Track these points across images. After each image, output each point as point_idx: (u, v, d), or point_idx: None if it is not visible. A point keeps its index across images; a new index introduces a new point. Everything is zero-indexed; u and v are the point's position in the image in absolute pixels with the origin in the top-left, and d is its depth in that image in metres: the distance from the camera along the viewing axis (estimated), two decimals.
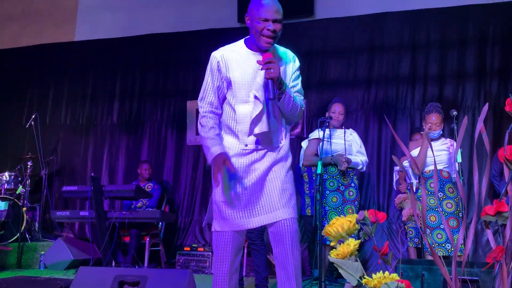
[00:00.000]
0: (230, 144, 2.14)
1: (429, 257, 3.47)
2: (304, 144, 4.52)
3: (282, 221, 2.06)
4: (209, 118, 2.17)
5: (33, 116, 6.33)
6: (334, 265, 1.44)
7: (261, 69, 2.03)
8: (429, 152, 3.76)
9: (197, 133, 6.28)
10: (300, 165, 4.64)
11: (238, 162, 2.12)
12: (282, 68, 2.13)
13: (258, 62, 2.05)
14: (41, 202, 6.10)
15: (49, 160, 6.31)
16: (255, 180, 2.11)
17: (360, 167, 4.02)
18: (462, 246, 3.32)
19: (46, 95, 6.97)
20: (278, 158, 2.15)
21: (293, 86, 2.19)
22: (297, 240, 2.10)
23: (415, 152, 3.81)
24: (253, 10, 2.05)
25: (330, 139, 3.93)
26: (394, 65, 5.65)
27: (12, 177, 5.88)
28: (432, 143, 3.82)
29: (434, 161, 1.50)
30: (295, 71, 2.22)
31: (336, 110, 4.00)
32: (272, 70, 2.00)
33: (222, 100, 2.18)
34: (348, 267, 1.37)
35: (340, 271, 1.42)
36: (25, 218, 5.52)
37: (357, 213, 3.91)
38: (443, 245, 3.55)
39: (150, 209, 5.20)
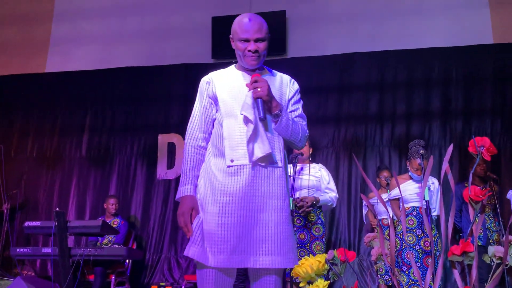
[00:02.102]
0: (216, 165, 1.95)
1: None
2: None
3: (272, 271, 1.89)
4: (192, 152, 2.02)
5: None
6: None
7: (249, 89, 1.93)
8: (411, 189, 3.82)
9: (168, 167, 6.26)
10: None
11: (228, 183, 1.89)
12: (277, 92, 2.03)
13: (246, 85, 1.95)
14: (1, 238, 5.82)
15: (12, 194, 6.07)
16: (250, 206, 1.87)
17: (330, 204, 4.02)
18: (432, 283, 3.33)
19: (12, 127, 6.79)
20: (276, 183, 1.94)
21: (293, 111, 2.07)
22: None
23: (397, 191, 3.84)
24: (235, 31, 2.00)
25: (299, 175, 3.93)
26: (363, 104, 5.80)
27: None
28: (412, 181, 3.90)
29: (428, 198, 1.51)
30: (294, 94, 2.10)
31: None
32: (259, 89, 1.90)
33: (212, 124, 2.05)
34: None
35: None
36: None
37: (325, 249, 3.90)
38: (418, 283, 3.55)
39: (117, 246, 5.04)
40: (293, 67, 6.01)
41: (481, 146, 1.38)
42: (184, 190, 1.97)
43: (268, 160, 1.93)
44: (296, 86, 2.14)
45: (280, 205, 1.91)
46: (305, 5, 6.21)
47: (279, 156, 1.97)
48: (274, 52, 6.00)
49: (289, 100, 2.07)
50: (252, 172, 1.89)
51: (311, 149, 4.10)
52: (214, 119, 2.04)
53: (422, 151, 3.91)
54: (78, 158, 6.50)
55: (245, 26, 1.97)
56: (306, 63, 5.98)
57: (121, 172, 6.33)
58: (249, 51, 1.96)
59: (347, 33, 6.00)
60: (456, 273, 1.35)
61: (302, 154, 3.94)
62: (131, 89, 6.53)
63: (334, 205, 4.11)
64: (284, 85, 2.10)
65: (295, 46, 6.12)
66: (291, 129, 1.98)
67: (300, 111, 2.10)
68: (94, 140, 6.51)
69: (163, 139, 6.22)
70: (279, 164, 1.96)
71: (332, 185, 4.06)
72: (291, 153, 4.05)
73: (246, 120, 1.92)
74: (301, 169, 3.94)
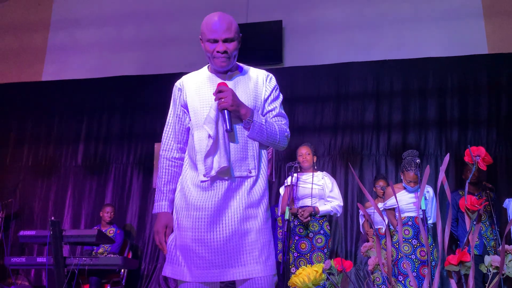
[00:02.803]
0: (191, 178, 1.89)
1: None
2: (282, 190, 4.50)
3: (255, 279, 1.78)
4: (167, 165, 1.99)
5: None
6: None
7: (215, 100, 1.84)
8: (405, 199, 3.81)
9: None
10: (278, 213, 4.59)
11: (201, 198, 1.83)
12: (251, 93, 1.92)
13: (213, 94, 1.87)
14: None
15: (7, 203, 6.03)
16: (223, 219, 1.80)
17: (333, 214, 3.95)
18: None
19: (8, 135, 6.76)
20: (251, 192, 1.85)
21: (270, 111, 1.95)
22: None
23: (393, 201, 3.84)
24: (202, 32, 1.88)
25: (296, 184, 3.91)
26: (359, 113, 5.82)
27: None
28: (406, 191, 3.90)
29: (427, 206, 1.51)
30: (271, 91, 1.97)
31: (303, 153, 4.02)
32: (223, 100, 1.81)
33: (186, 132, 2.00)
34: None
35: None
36: None
37: (326, 261, 3.87)
38: None
39: (112, 256, 5.00)
40: (289, 77, 6.05)
41: (477, 155, 1.39)
42: (158, 206, 1.93)
43: (237, 170, 1.84)
44: (273, 82, 1.99)
45: (253, 213, 1.84)
46: (302, 14, 6.25)
47: (253, 164, 1.87)
48: (270, 62, 6.03)
49: (265, 100, 1.96)
50: (225, 185, 1.82)
51: (315, 158, 4.07)
52: (188, 128, 1.99)
53: (418, 160, 3.92)
54: (74, 166, 6.48)
55: (213, 25, 1.84)
56: (302, 72, 6.01)
57: (117, 180, 6.30)
58: (218, 52, 1.85)
59: (343, 43, 6.04)
60: (453, 283, 1.34)
61: (299, 162, 3.93)
62: (128, 97, 6.53)
63: (339, 214, 4.03)
64: (260, 84, 1.96)
65: (292, 56, 6.15)
66: (266, 133, 1.88)
67: (278, 110, 1.98)
68: (90, 149, 6.50)
69: (159, 148, 6.21)
70: (252, 173, 1.86)
71: (336, 193, 3.97)
72: (288, 163, 4.04)
73: (208, 137, 1.83)
74: (297, 179, 3.92)
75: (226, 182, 1.83)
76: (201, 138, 1.87)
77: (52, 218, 5.39)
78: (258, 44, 5.89)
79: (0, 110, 6.85)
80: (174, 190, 1.96)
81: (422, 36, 5.84)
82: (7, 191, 6.32)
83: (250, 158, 1.87)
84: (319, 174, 4.00)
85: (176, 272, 1.84)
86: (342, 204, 3.99)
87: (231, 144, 1.85)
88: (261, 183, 1.90)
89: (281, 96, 2.02)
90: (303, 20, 6.23)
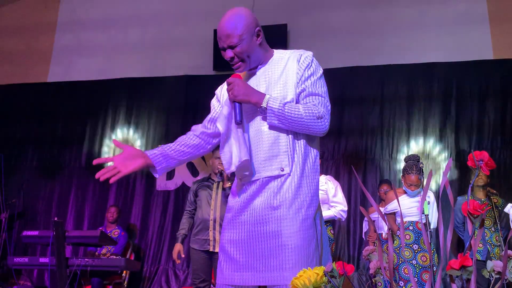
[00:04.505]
0: (235, 182, 1.86)
1: None
2: None
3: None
4: (187, 134, 1.91)
5: None
6: None
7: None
8: (406, 203, 3.80)
9: (167, 178, 6.25)
10: None
11: (234, 200, 1.80)
12: (276, 79, 1.77)
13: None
14: None
15: (11, 203, 6.06)
16: (255, 219, 1.71)
17: (337, 218, 3.92)
18: None
19: (13, 136, 6.80)
20: (284, 191, 1.70)
21: (300, 92, 1.75)
22: None
23: (393, 205, 3.83)
24: None
25: None
26: (363, 117, 5.81)
27: None
28: (407, 195, 3.89)
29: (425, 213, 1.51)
30: (304, 71, 1.75)
31: None
32: (230, 92, 1.74)
33: None
34: None
35: None
36: None
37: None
38: None
39: (114, 257, 5.01)
40: None
41: (480, 160, 1.39)
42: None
43: (272, 169, 1.71)
44: (307, 60, 1.77)
45: (288, 214, 1.68)
46: (307, 18, 6.26)
47: (286, 161, 1.70)
48: None
49: (297, 83, 1.75)
50: (256, 186, 1.73)
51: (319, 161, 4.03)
52: None
53: (421, 164, 3.91)
54: (78, 168, 6.50)
55: (218, 33, 1.77)
56: None
57: (120, 182, 6.32)
58: (227, 59, 1.80)
59: (348, 47, 6.04)
60: None
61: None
62: (132, 100, 6.55)
63: (343, 219, 3.98)
64: (290, 67, 1.77)
65: None
66: (287, 117, 1.67)
67: (309, 89, 1.74)
68: (94, 150, 6.52)
69: None
70: (286, 170, 1.70)
71: (340, 197, 3.89)
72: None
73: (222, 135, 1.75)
74: None
75: (257, 182, 1.73)
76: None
77: (56, 218, 5.41)
78: None
79: (5, 110, 6.89)
80: (166, 146, 1.85)
81: (427, 41, 5.83)
82: (11, 191, 6.34)
83: (283, 154, 1.71)
84: (322, 179, 3.95)
85: (218, 276, 1.81)
86: (346, 208, 3.92)
87: (259, 141, 1.73)
88: (295, 183, 1.71)
89: (318, 73, 1.78)
90: (308, 24, 6.23)
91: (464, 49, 5.70)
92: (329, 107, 1.78)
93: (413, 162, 3.84)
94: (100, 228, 5.38)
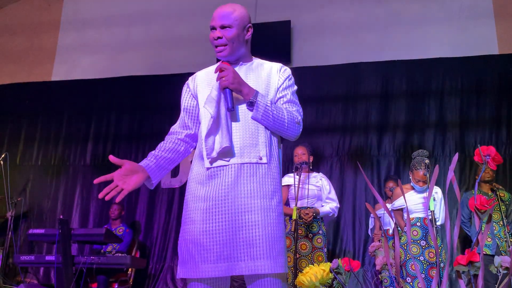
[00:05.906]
0: (198, 169, 1.82)
1: None
2: None
3: (266, 280, 1.66)
4: (167, 139, 1.96)
5: (2, 156, 6.16)
6: None
7: (217, 80, 1.80)
8: (414, 199, 3.79)
9: (172, 176, 6.26)
10: None
11: (207, 188, 1.75)
12: (263, 81, 1.89)
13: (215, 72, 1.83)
14: (5, 246, 5.82)
15: (17, 201, 6.09)
16: (232, 208, 1.71)
17: (331, 214, 3.99)
18: None
19: (18, 134, 6.82)
20: (262, 181, 1.74)
21: (281, 97, 1.89)
22: None
23: (401, 201, 3.82)
24: None
25: (294, 185, 3.89)
26: (368, 113, 5.79)
27: None
28: (414, 191, 3.87)
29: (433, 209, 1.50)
30: (284, 81, 1.92)
31: (299, 153, 4.02)
32: (224, 78, 1.77)
33: (198, 122, 1.93)
34: None
35: None
36: None
37: (327, 259, 3.87)
38: None
39: (120, 254, 5.02)
40: (297, 77, 6.01)
41: (487, 155, 1.38)
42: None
43: (245, 155, 1.75)
44: (287, 72, 1.95)
45: (266, 205, 1.72)
46: (310, 15, 6.24)
47: (264, 151, 1.77)
48: (279, 62, 6.02)
49: (277, 89, 1.90)
50: (232, 172, 1.73)
51: (311, 158, 4.06)
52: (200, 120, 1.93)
53: (427, 161, 3.89)
54: (83, 166, 6.52)
55: (214, 13, 1.83)
56: (310, 72, 5.99)
57: None
58: (214, 39, 1.82)
59: (352, 43, 6.02)
60: (462, 283, 1.33)
61: (307, 163, 3.92)
62: (136, 97, 6.56)
63: (336, 215, 4.09)
64: (273, 74, 1.93)
65: (300, 56, 6.13)
66: (272, 116, 1.79)
67: (289, 96, 1.91)
68: (99, 148, 6.53)
69: None
70: (264, 160, 1.76)
71: (333, 194, 4.04)
72: (295, 163, 4.03)
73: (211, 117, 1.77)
74: (294, 179, 3.91)
75: (233, 168, 1.74)
76: (205, 123, 1.82)
77: (61, 216, 5.45)
78: (266, 44, 5.88)
79: (10, 109, 6.92)
80: (158, 156, 1.91)
81: (431, 37, 5.80)
82: (17, 190, 6.37)
83: (261, 144, 1.78)
84: (316, 176, 4.02)
85: (186, 271, 1.74)
86: (339, 205, 4.07)
87: (240, 129, 1.78)
88: (274, 173, 1.79)
89: (295, 87, 1.97)
90: (311, 21, 6.21)
91: (469, 44, 5.66)
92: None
93: (421, 158, 3.84)
94: (105, 226, 5.40)
